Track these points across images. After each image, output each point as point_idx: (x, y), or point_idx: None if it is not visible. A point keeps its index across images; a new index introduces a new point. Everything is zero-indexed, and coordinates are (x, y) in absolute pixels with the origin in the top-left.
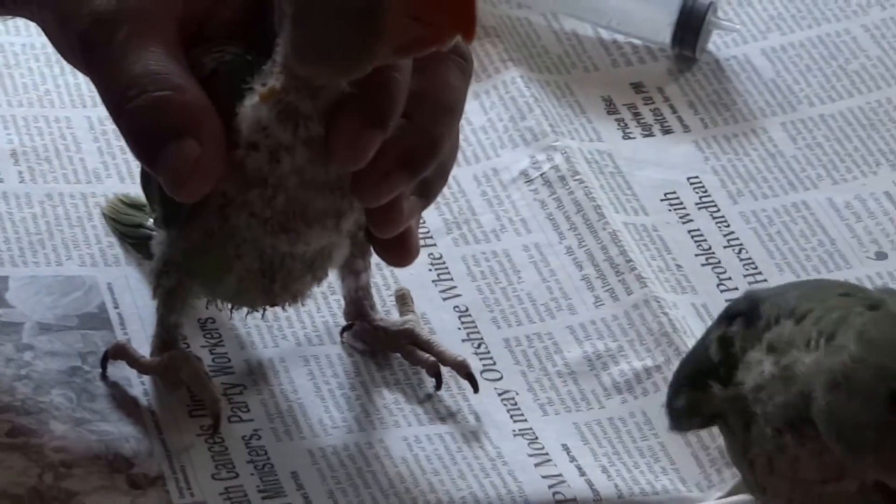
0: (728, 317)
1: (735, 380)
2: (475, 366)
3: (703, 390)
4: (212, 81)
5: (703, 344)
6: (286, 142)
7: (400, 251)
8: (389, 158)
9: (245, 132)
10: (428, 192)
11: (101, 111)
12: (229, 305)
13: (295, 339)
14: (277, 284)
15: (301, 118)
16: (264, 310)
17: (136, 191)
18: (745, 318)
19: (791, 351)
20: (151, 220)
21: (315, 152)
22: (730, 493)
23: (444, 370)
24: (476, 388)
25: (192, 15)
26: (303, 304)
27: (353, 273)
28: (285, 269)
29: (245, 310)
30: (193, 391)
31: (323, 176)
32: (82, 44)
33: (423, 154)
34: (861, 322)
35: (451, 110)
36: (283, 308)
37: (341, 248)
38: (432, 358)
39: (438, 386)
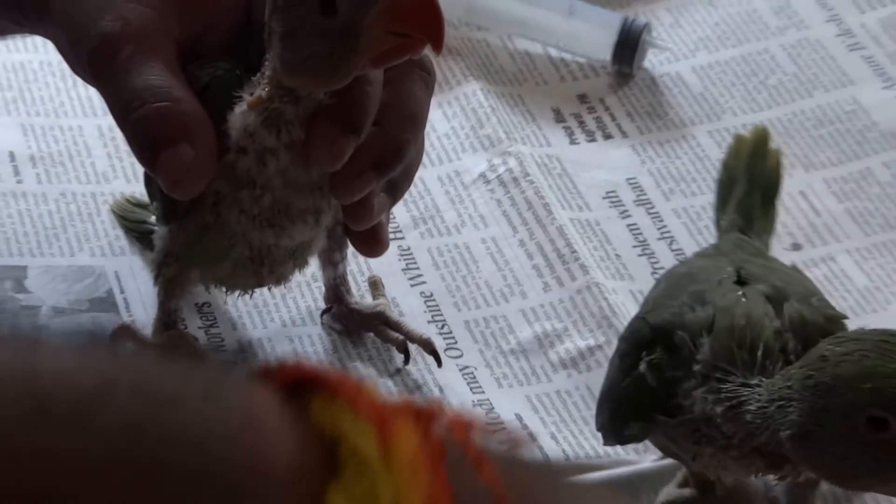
0: (639, 345)
1: (678, 406)
2: (439, 344)
3: (648, 420)
4: (205, 93)
5: (628, 372)
6: (270, 145)
7: (372, 243)
8: (362, 161)
9: (234, 137)
10: (396, 191)
11: (109, 120)
12: (224, 288)
13: (281, 321)
14: (265, 269)
15: (284, 124)
16: (253, 291)
17: (140, 191)
18: (665, 345)
19: (733, 379)
20: (153, 217)
21: (297, 156)
22: (661, 458)
23: (412, 347)
24: (440, 363)
25: (187, 36)
26: (286, 286)
27: (332, 264)
28: (272, 256)
29: (237, 292)
30: None
31: (305, 178)
32: (91, 61)
33: (391, 157)
34: (818, 360)
35: (416, 119)
36: (269, 289)
37: (319, 239)
38: (401, 336)
39: (406, 361)
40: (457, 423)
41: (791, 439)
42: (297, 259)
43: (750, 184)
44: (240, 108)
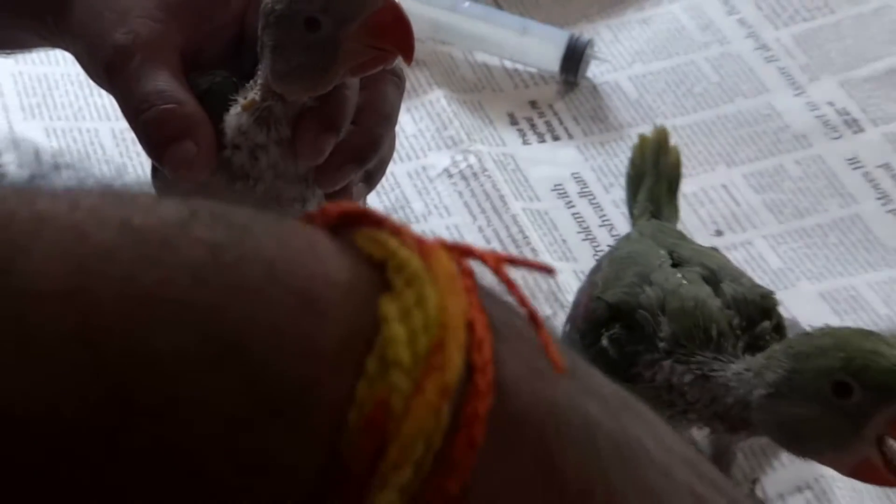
0: (598, 323)
1: (638, 374)
2: None
3: None
4: (205, 97)
5: (590, 346)
6: (261, 142)
7: None
8: (342, 155)
9: (230, 135)
10: (371, 180)
11: (122, 124)
12: None
13: None
14: None
15: (273, 122)
16: None
17: (148, 185)
18: (624, 323)
19: (697, 356)
20: None
21: (285, 151)
22: None
23: None
24: None
25: (190, 48)
26: None
27: None
28: None
29: None
30: None
31: (293, 170)
32: (106, 68)
33: (367, 151)
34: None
35: (389, 117)
36: None
37: None
38: None
39: None
40: (488, 257)
41: (762, 399)
42: None
43: (656, 176)
44: (234, 110)
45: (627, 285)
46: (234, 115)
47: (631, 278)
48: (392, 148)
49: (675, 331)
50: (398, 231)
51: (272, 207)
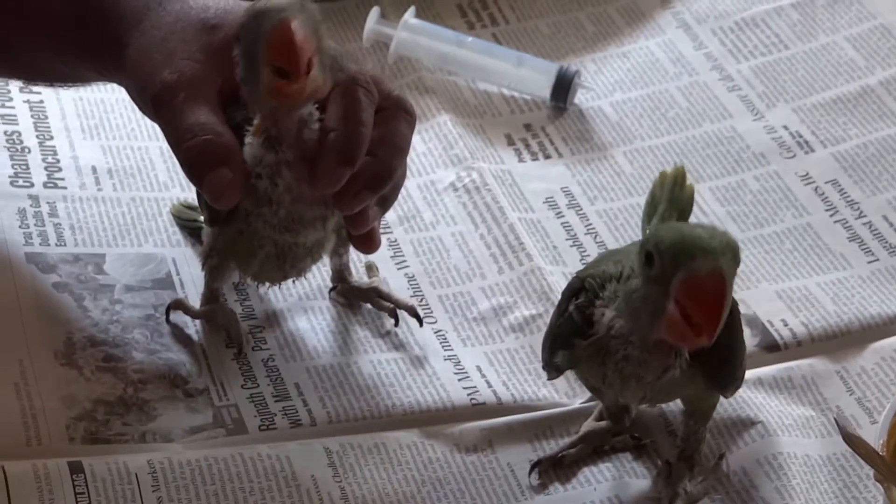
0: (572, 291)
1: (594, 334)
2: (419, 313)
3: (571, 347)
4: (239, 129)
5: (561, 315)
6: (271, 162)
7: (368, 243)
8: (359, 182)
9: (250, 163)
10: (386, 204)
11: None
12: (255, 283)
13: (297, 295)
14: (288, 264)
15: (276, 143)
16: (280, 284)
17: (191, 196)
18: (589, 291)
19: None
20: (202, 218)
21: (298, 175)
22: (588, 401)
23: (400, 313)
24: (421, 323)
25: (227, 86)
26: (304, 278)
27: (338, 255)
28: (293, 253)
29: (266, 284)
30: (227, 329)
31: (309, 194)
32: (154, 103)
33: (381, 180)
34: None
35: (401, 150)
36: (293, 282)
37: (330, 240)
38: (391, 305)
39: (396, 323)
40: None
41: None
42: (314, 254)
43: (669, 204)
44: (248, 140)
45: (602, 267)
46: (248, 144)
47: (608, 262)
48: (404, 175)
49: (616, 290)
50: None
51: (295, 228)
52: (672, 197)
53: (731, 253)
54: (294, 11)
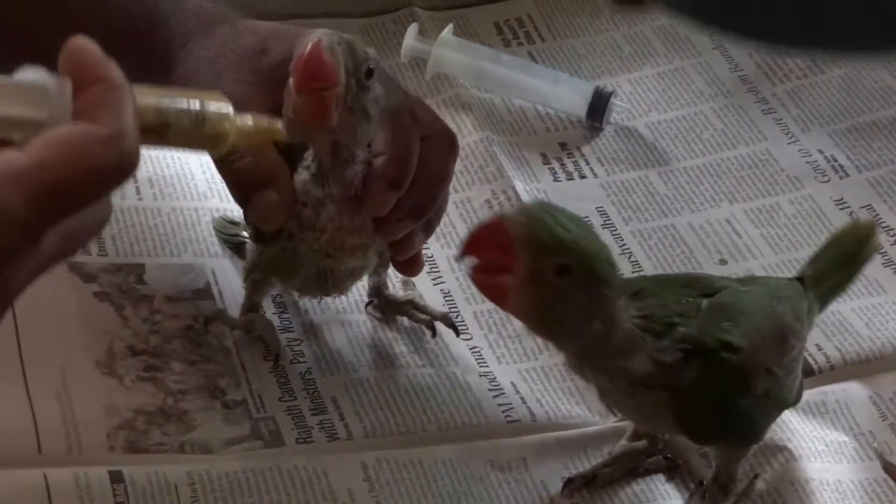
0: None
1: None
2: (454, 323)
3: None
4: (286, 151)
5: None
6: (318, 195)
7: (412, 268)
8: (402, 210)
9: (298, 190)
10: (429, 229)
11: (207, 157)
12: (297, 294)
13: (335, 309)
14: (329, 284)
15: (324, 180)
16: (321, 298)
17: (230, 208)
18: None
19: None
20: (244, 232)
21: (342, 207)
22: (620, 420)
23: (437, 325)
24: (457, 333)
25: (274, 107)
26: (346, 295)
27: (377, 274)
28: (334, 276)
29: (307, 297)
30: (265, 338)
31: (349, 223)
32: None
33: (423, 208)
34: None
35: (444, 179)
36: (334, 298)
37: (371, 263)
38: (427, 317)
39: (433, 334)
40: None
41: None
42: (355, 276)
43: (839, 263)
44: (297, 175)
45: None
46: (298, 175)
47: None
48: (446, 202)
49: None
50: None
51: (337, 255)
52: (846, 252)
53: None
54: (333, 40)
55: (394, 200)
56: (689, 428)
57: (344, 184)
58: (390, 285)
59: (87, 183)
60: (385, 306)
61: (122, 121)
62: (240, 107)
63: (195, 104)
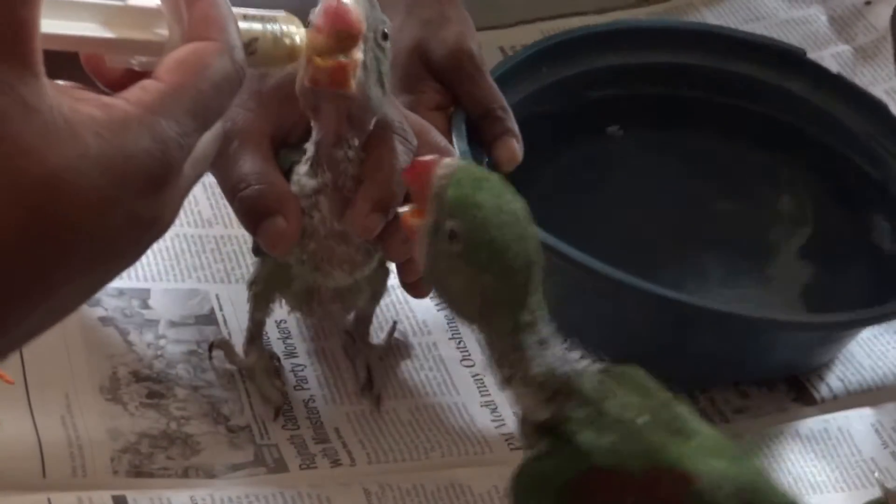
0: None
1: None
2: (456, 356)
3: None
4: (289, 172)
5: None
6: (311, 191)
7: (420, 289)
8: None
9: (295, 191)
10: None
11: (212, 179)
12: (299, 315)
13: (339, 335)
14: (315, 302)
15: (317, 167)
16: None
17: (234, 233)
18: None
19: None
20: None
21: (332, 201)
22: None
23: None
24: (378, 408)
25: (278, 133)
26: (338, 325)
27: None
28: (319, 294)
29: (300, 314)
30: (262, 394)
31: (338, 228)
32: None
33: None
34: None
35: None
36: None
37: (363, 292)
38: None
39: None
40: None
41: None
42: (345, 301)
43: None
44: (294, 177)
45: None
46: (295, 174)
47: None
48: None
49: None
50: None
51: (324, 268)
52: None
53: None
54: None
55: (379, 222)
56: None
57: (336, 171)
58: (374, 336)
59: (216, 98)
60: (353, 346)
61: (230, 36)
62: (246, 132)
63: (273, 24)
